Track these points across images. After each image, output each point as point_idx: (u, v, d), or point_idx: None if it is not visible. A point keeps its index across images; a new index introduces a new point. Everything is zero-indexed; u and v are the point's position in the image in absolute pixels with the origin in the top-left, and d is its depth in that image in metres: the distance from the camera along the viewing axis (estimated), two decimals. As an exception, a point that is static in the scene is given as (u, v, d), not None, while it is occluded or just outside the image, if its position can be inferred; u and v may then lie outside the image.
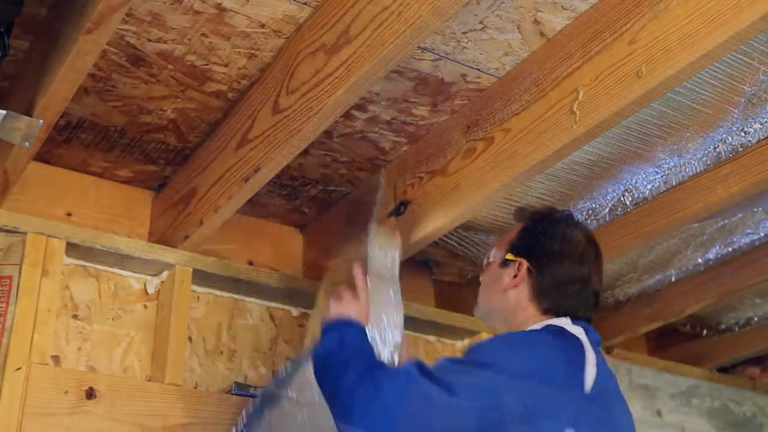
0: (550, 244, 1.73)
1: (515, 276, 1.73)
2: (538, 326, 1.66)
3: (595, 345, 1.63)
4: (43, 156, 2.13)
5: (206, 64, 1.86)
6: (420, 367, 1.53)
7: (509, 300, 1.73)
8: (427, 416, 1.46)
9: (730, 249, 2.52)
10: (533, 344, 1.59)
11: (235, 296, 2.30)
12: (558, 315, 1.69)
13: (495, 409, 1.45)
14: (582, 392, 1.50)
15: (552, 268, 1.71)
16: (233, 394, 2.14)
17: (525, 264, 1.73)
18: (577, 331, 1.63)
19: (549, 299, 1.70)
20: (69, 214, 2.17)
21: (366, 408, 1.49)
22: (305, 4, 1.70)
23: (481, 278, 1.86)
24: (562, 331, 1.63)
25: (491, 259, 1.84)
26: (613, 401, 1.58)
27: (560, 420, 1.46)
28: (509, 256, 1.76)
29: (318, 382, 1.66)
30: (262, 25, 1.74)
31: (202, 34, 1.76)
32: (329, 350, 1.66)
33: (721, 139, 2.03)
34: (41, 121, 1.68)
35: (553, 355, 1.54)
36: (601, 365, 1.57)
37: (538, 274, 1.71)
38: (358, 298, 1.82)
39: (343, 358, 1.62)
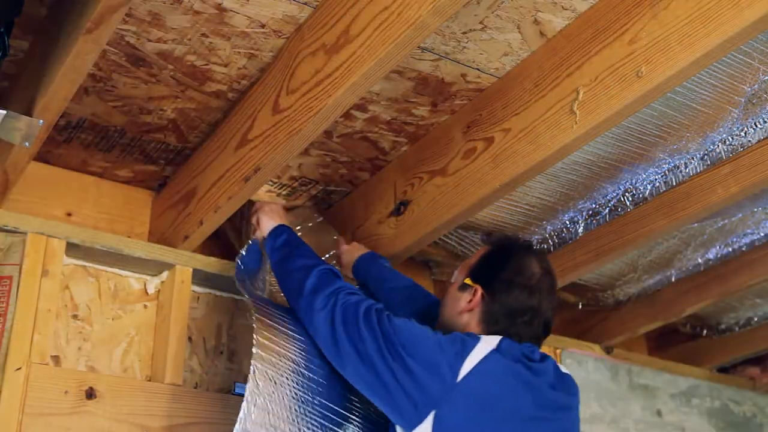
0: (505, 274, 1.82)
1: (470, 301, 1.83)
2: None
3: (509, 353, 1.70)
4: (43, 156, 2.13)
5: (206, 64, 1.86)
6: (369, 306, 1.75)
7: (461, 321, 1.83)
8: (345, 335, 1.73)
9: (730, 249, 2.52)
10: (427, 335, 1.72)
11: (235, 296, 2.30)
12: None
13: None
14: (454, 380, 1.63)
15: (504, 296, 1.80)
16: (234, 394, 2.14)
17: (480, 291, 1.82)
18: (490, 338, 1.73)
19: (497, 325, 1.79)
20: (69, 214, 2.18)
21: (312, 306, 1.79)
22: (305, 4, 1.70)
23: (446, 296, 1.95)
24: (469, 334, 1.75)
25: (453, 281, 1.93)
26: (498, 395, 1.67)
27: (418, 400, 1.62)
28: (467, 281, 1.85)
29: (279, 267, 1.95)
30: (262, 25, 1.75)
31: (202, 34, 1.76)
32: (284, 244, 1.98)
33: (721, 139, 2.03)
34: (41, 121, 1.68)
35: (436, 346, 1.68)
36: (493, 365, 1.67)
37: (490, 301, 1.80)
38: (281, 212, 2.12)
39: (300, 254, 1.93)
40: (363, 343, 1.70)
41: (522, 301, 1.79)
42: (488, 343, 1.70)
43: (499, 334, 1.75)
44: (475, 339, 1.71)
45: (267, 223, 2.05)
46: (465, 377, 1.63)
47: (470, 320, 1.82)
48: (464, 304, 1.83)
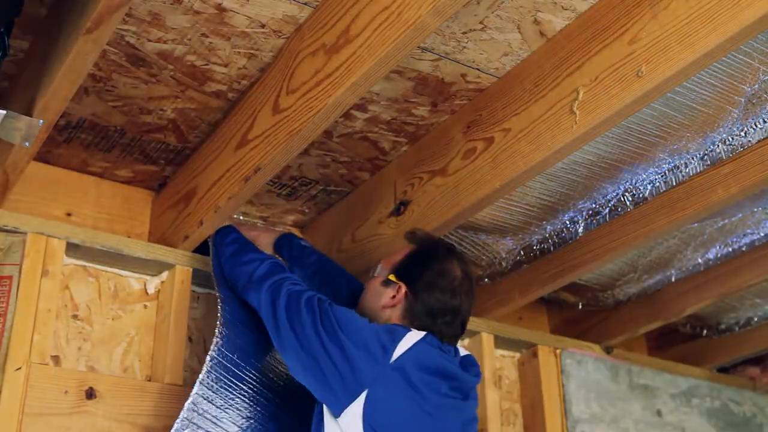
0: (428, 275, 1.89)
1: (393, 297, 1.90)
2: None
3: (432, 344, 1.80)
4: (43, 156, 2.13)
5: (206, 64, 1.86)
6: (311, 295, 1.84)
7: (383, 316, 1.90)
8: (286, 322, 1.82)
9: (730, 249, 2.52)
10: (364, 322, 1.81)
11: (235, 296, 2.30)
12: None
13: None
14: (387, 361, 1.71)
15: (426, 296, 1.87)
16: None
17: (404, 288, 1.89)
18: (418, 332, 1.80)
19: (419, 322, 1.85)
20: (69, 214, 2.17)
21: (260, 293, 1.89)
22: (305, 4, 1.70)
23: (365, 285, 2.01)
24: (397, 325, 1.84)
25: (376, 274, 1.99)
26: (428, 381, 1.76)
27: (351, 380, 1.70)
28: (392, 277, 1.92)
29: (231, 260, 2.01)
30: (262, 25, 1.75)
31: (202, 34, 1.76)
32: (234, 241, 2.07)
33: (721, 139, 2.02)
34: (41, 121, 1.68)
35: (372, 332, 1.76)
36: (422, 350, 1.77)
37: (413, 299, 1.88)
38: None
39: (250, 250, 2.04)
40: (302, 327, 1.78)
41: (444, 302, 1.87)
42: (417, 334, 1.79)
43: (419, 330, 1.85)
44: (406, 329, 1.80)
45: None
46: (397, 359, 1.72)
47: (392, 315, 1.89)
48: (387, 300, 1.90)
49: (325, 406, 1.72)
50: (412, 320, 1.86)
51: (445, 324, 1.86)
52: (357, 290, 2.06)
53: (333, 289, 2.10)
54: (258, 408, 1.95)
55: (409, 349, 1.74)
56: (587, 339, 2.90)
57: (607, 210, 2.27)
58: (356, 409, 1.67)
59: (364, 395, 1.67)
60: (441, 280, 1.88)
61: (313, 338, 1.76)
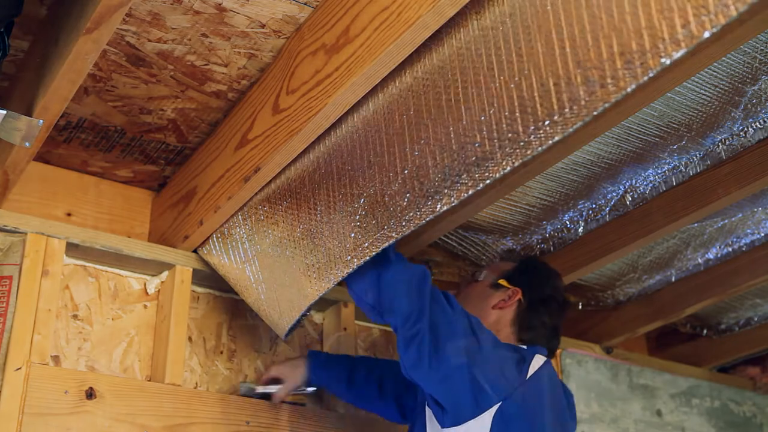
0: (547, 290, 1.99)
1: (505, 300, 1.95)
2: None
3: (550, 365, 1.87)
4: (43, 156, 2.13)
5: (206, 64, 1.86)
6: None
7: (490, 318, 1.94)
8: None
9: (730, 249, 2.52)
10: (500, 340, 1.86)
11: (235, 296, 2.30)
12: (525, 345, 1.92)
13: None
14: (523, 378, 1.76)
15: (543, 309, 1.95)
16: (240, 395, 2.14)
17: (519, 294, 1.95)
18: (540, 356, 1.85)
19: (525, 332, 1.93)
20: (69, 214, 2.18)
21: None
22: (305, 4, 1.70)
23: (463, 290, 2.06)
24: (515, 348, 1.89)
25: (481, 278, 2.04)
26: (548, 399, 1.81)
27: (494, 392, 1.71)
28: (503, 282, 1.98)
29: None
30: (262, 25, 1.75)
31: (202, 34, 1.76)
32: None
33: (721, 139, 2.03)
34: (41, 121, 1.68)
35: (507, 352, 1.82)
36: (547, 374, 1.83)
37: (526, 308, 1.95)
38: None
39: None
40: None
41: (552, 317, 1.96)
42: (541, 357, 1.86)
43: (534, 343, 1.91)
44: (531, 351, 1.86)
45: None
46: (531, 377, 1.78)
47: (500, 318, 1.94)
48: (497, 302, 1.96)
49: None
50: (521, 328, 1.93)
51: (542, 336, 1.95)
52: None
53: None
54: None
55: (539, 369, 1.80)
56: (587, 339, 2.90)
57: (607, 210, 2.28)
58: (485, 419, 1.70)
59: (496, 407, 1.71)
60: (558, 296, 2.00)
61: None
